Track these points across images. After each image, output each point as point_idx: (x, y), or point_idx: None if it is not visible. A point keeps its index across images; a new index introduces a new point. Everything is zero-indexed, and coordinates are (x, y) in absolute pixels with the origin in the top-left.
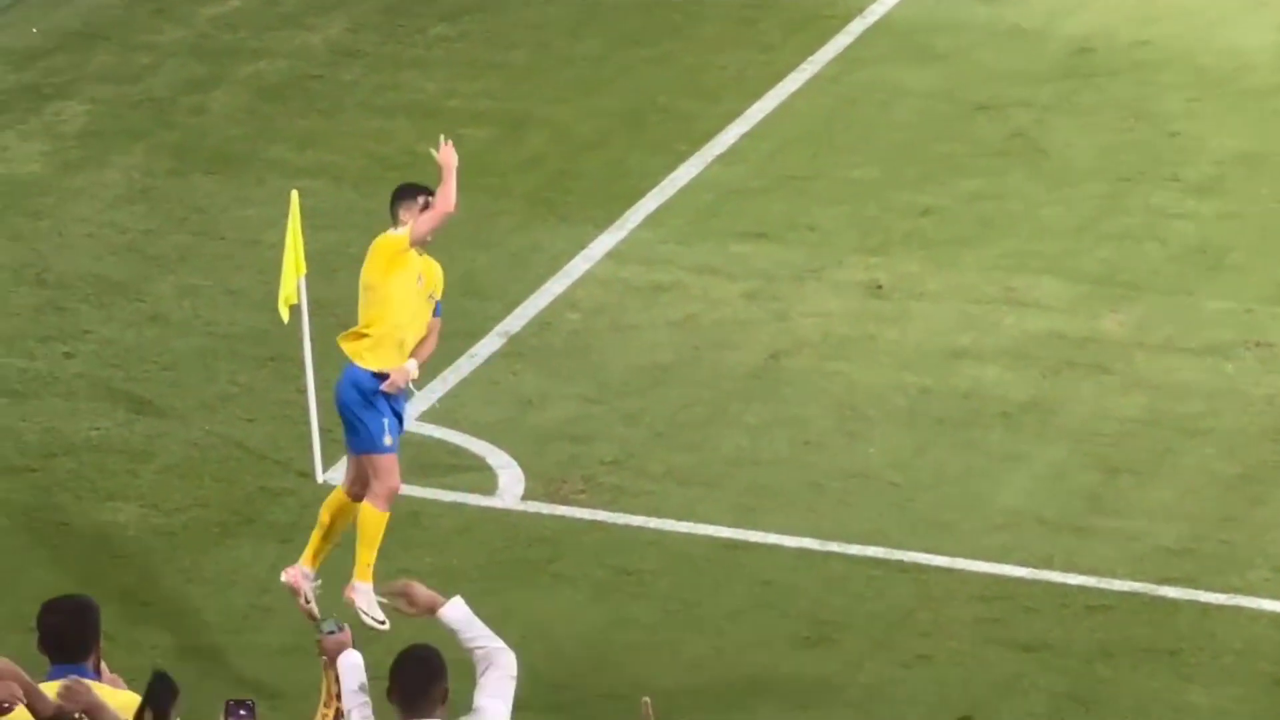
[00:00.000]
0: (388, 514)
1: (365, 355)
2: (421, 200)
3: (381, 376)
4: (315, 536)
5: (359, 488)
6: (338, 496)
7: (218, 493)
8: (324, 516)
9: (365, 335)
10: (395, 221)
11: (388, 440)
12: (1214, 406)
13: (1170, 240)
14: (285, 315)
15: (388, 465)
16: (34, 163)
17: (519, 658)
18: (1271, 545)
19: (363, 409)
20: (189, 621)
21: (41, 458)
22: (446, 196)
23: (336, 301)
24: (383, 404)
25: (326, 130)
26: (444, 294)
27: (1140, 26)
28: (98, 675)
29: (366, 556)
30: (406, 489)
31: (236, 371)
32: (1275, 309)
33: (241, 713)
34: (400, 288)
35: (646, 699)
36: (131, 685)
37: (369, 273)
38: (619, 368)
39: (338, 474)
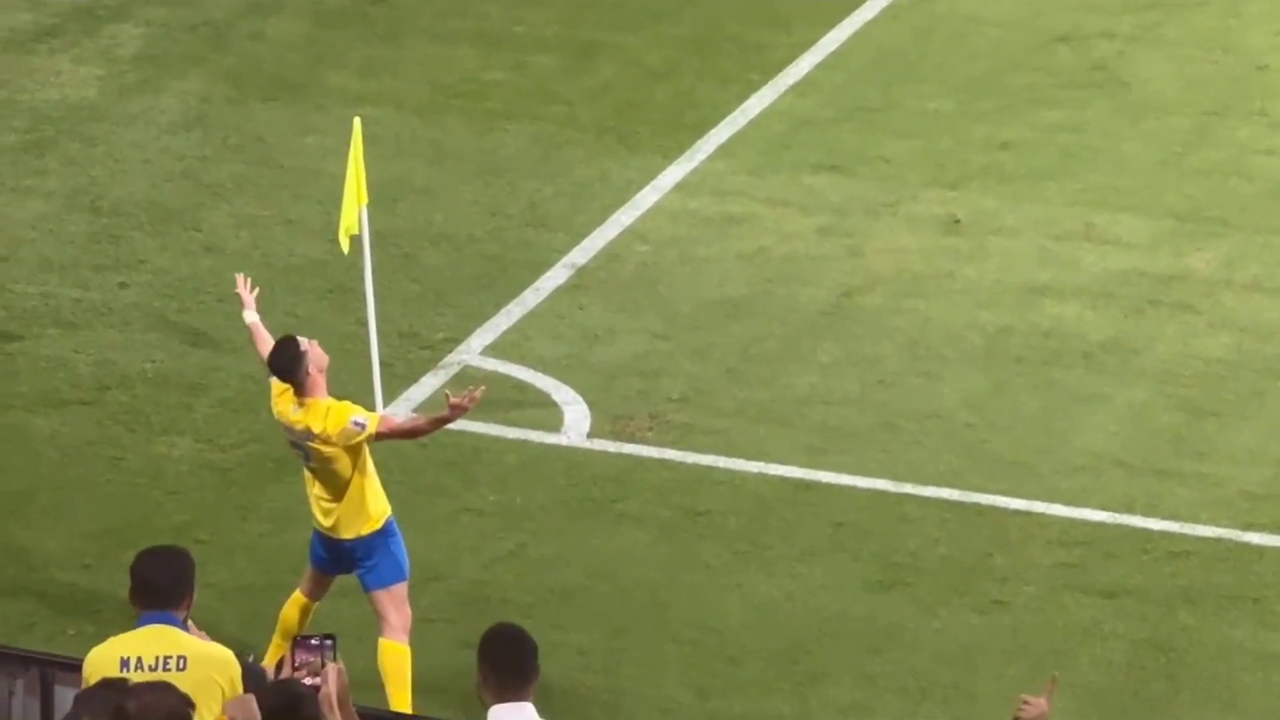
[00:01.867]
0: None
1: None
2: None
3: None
4: (276, 640)
5: (317, 590)
6: (297, 599)
7: (274, 428)
8: (287, 617)
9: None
10: (297, 385)
11: (408, 567)
12: None
13: (1257, 176)
14: (346, 246)
15: (405, 595)
16: (89, 87)
17: (582, 599)
18: None
19: (378, 549)
20: (244, 559)
21: (95, 390)
22: (430, 428)
23: (399, 233)
24: (396, 536)
25: (388, 57)
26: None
27: None
28: (186, 626)
29: (403, 699)
30: (469, 424)
31: (295, 303)
32: None
33: (313, 642)
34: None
35: (1055, 675)
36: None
37: (338, 460)
38: (688, 302)
39: (396, 407)
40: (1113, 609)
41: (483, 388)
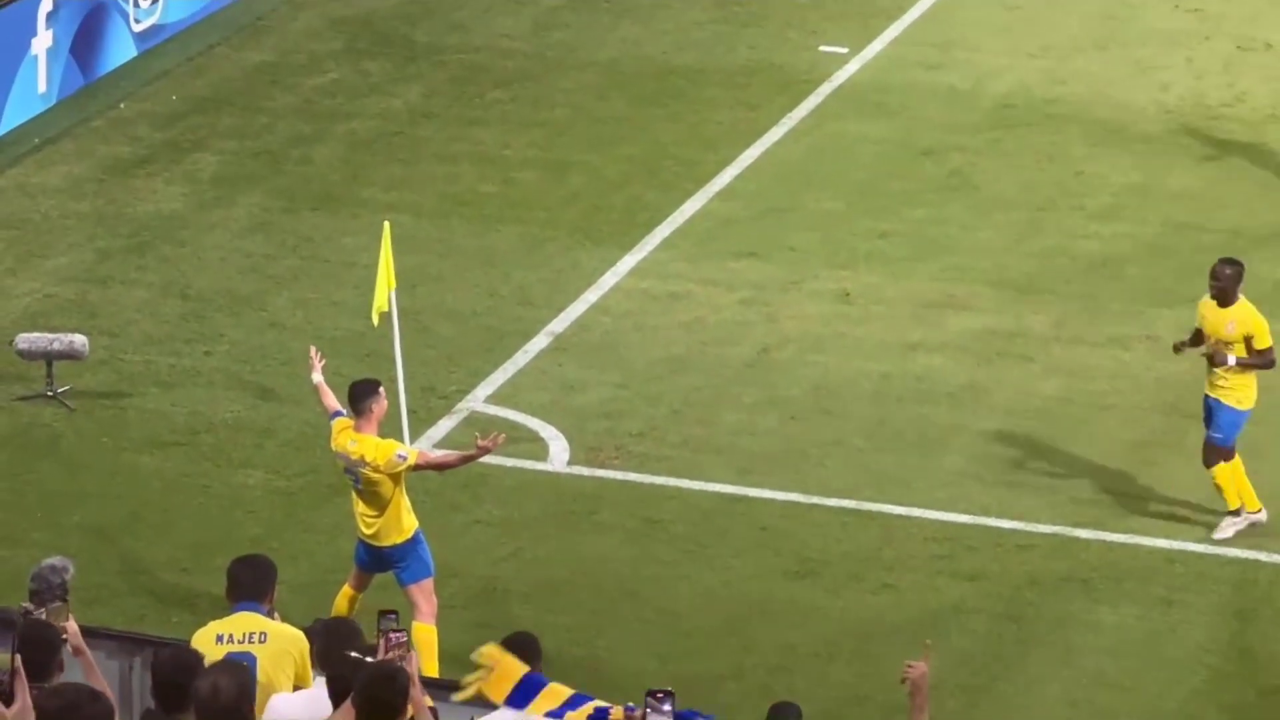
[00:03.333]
0: None
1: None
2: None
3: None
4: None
5: (361, 585)
6: (346, 591)
7: (327, 460)
8: (339, 605)
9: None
10: (360, 412)
11: (433, 566)
12: (1115, 387)
13: (1078, 256)
14: (376, 320)
15: (431, 588)
16: (176, 202)
17: (567, 589)
18: (1161, 495)
19: (409, 553)
20: (305, 563)
21: (187, 434)
22: (459, 462)
23: (419, 310)
24: (423, 543)
25: (407, 175)
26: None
27: (1051, 87)
28: (271, 614)
29: (433, 668)
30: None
31: (339, 365)
32: (1162, 309)
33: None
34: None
35: (928, 642)
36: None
37: (383, 484)
38: (642, 360)
39: (419, 444)
40: (975, 590)
41: (504, 435)
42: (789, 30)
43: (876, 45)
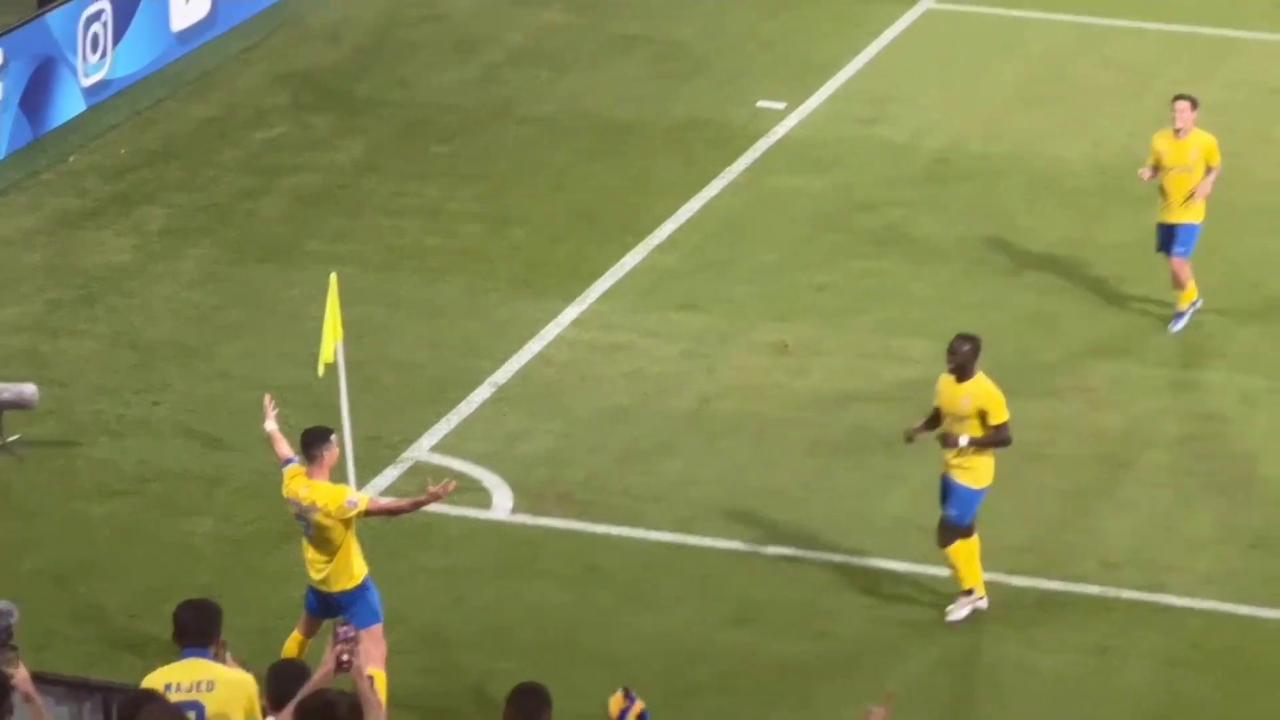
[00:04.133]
0: None
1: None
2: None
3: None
4: None
5: (311, 630)
6: (295, 637)
7: (275, 508)
8: (288, 650)
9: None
10: (312, 458)
11: (381, 613)
12: (1050, 437)
13: (1011, 308)
14: (322, 371)
15: (380, 633)
16: (125, 254)
17: (511, 636)
18: (1096, 545)
19: (359, 599)
20: (255, 609)
21: (137, 483)
22: (410, 508)
23: (365, 361)
24: (372, 589)
25: (352, 228)
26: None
27: (986, 142)
28: (215, 658)
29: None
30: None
31: (287, 415)
32: (1096, 361)
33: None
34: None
35: (891, 691)
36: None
37: (334, 530)
38: (585, 410)
39: (368, 490)
40: (912, 636)
41: (455, 482)
42: (727, 85)
43: (813, 100)
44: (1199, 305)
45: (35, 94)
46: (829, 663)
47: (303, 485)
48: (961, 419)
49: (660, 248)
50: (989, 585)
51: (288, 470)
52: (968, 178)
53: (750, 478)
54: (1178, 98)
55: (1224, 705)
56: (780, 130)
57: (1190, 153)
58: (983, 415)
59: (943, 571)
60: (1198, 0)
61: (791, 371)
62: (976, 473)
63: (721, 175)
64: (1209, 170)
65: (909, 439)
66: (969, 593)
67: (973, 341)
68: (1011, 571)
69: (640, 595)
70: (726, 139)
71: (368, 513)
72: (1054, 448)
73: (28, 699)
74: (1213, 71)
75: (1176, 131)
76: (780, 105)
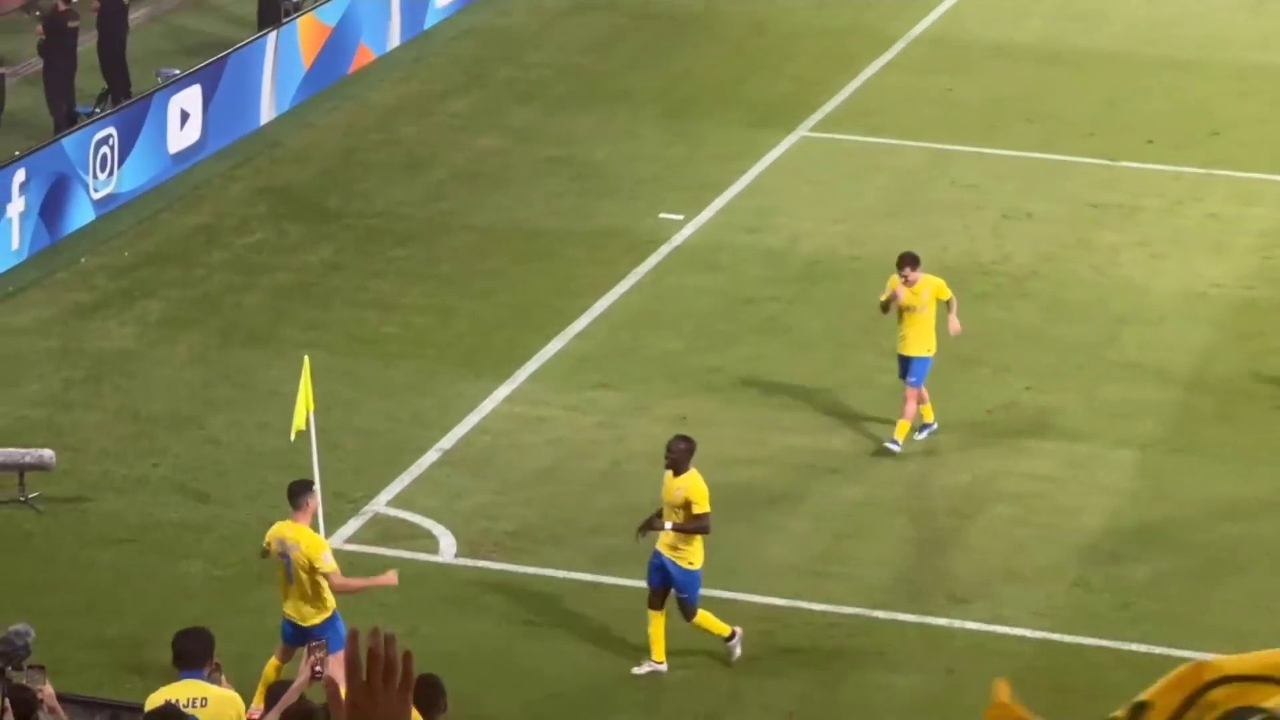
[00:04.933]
0: None
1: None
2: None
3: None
4: (260, 688)
5: (287, 657)
6: (273, 662)
7: (254, 553)
8: (267, 674)
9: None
10: (297, 506)
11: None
12: (907, 493)
13: (876, 385)
14: (294, 437)
15: None
16: (128, 341)
17: (455, 661)
18: (945, 583)
19: (329, 629)
20: (239, 638)
21: (139, 532)
22: (360, 588)
23: (332, 430)
24: (340, 620)
25: (322, 318)
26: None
27: (851, 248)
28: (209, 679)
29: None
30: (380, 550)
31: (265, 475)
32: (947, 432)
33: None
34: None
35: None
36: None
37: (309, 571)
38: (517, 472)
39: (334, 539)
40: (791, 661)
41: (395, 573)
42: (634, 201)
43: (706, 213)
44: (934, 429)
45: (52, 206)
46: (722, 684)
47: (289, 528)
48: (675, 508)
49: (579, 336)
50: (856, 618)
51: (275, 526)
52: (836, 278)
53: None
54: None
55: (1052, 717)
56: (679, 238)
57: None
58: (688, 505)
59: (816, 606)
60: (1026, 130)
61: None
62: (690, 555)
63: (630, 275)
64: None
65: (639, 535)
66: (733, 634)
67: (688, 442)
68: (874, 606)
69: (565, 627)
70: (634, 245)
71: (330, 580)
72: (910, 503)
73: (53, 712)
74: (1039, 188)
75: (907, 280)
76: (679, 217)
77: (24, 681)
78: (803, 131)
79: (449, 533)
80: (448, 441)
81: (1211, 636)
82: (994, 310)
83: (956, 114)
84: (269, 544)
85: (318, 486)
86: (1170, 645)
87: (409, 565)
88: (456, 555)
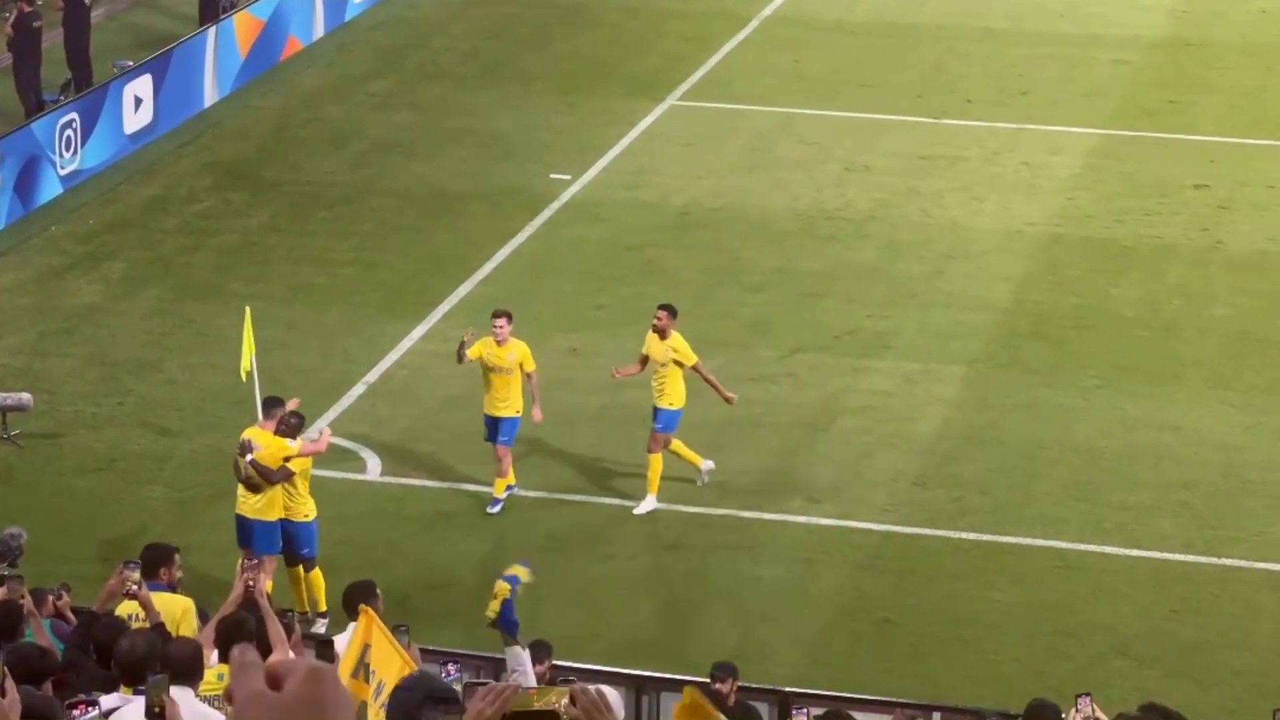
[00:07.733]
0: None
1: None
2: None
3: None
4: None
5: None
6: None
7: (209, 477)
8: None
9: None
10: (269, 415)
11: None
12: (767, 410)
13: (738, 317)
14: (244, 377)
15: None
16: (95, 297)
17: (381, 556)
18: (802, 486)
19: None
20: (197, 552)
21: (107, 462)
22: (325, 448)
23: (271, 368)
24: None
25: (262, 273)
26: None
27: (715, 200)
28: (166, 587)
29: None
30: (318, 471)
31: (218, 409)
32: (798, 354)
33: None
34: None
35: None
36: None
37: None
38: (433, 400)
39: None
40: (672, 557)
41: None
42: (529, 163)
43: (590, 173)
44: (514, 490)
45: (25, 182)
46: (614, 575)
47: (256, 432)
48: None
49: (484, 282)
50: (729, 519)
51: (248, 429)
52: (703, 226)
53: (552, 442)
54: (498, 315)
55: (895, 598)
56: (567, 195)
57: (509, 356)
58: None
59: (691, 509)
60: (862, 94)
61: (580, 369)
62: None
63: (526, 228)
64: (528, 375)
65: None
66: (325, 614)
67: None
68: (742, 507)
69: (475, 530)
70: (529, 202)
71: (300, 451)
72: (770, 418)
73: (31, 615)
74: (874, 143)
75: (499, 341)
76: (567, 177)
77: (7, 578)
78: (671, 101)
79: (375, 455)
80: (373, 375)
81: (1034, 524)
82: (838, 250)
83: (802, 82)
84: (242, 442)
85: (259, 419)
86: (996, 533)
87: (341, 483)
88: (382, 474)
